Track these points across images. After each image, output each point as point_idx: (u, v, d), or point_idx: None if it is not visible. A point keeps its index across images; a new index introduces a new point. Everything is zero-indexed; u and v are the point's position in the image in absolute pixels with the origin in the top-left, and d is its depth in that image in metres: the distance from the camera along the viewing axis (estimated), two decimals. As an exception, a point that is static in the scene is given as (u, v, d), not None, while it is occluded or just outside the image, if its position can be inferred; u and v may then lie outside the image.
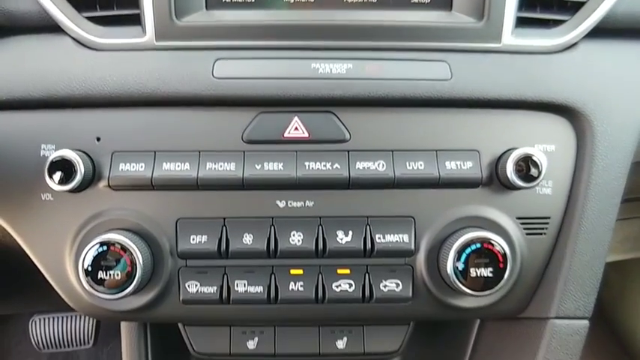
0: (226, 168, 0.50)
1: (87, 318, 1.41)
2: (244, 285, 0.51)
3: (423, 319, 0.55)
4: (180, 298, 0.52)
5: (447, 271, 0.49)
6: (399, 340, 0.61)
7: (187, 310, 0.52)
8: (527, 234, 0.52)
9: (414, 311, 0.53)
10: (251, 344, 0.60)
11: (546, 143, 0.52)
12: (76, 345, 1.44)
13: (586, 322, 0.53)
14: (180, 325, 0.60)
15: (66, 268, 0.52)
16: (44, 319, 1.40)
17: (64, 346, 1.44)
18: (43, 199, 0.52)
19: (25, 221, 0.53)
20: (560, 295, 0.52)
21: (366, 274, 0.52)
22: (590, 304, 0.53)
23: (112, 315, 0.54)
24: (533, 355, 0.52)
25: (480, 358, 0.60)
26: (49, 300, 1.02)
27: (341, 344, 0.61)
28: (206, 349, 0.60)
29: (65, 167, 0.48)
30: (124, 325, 0.60)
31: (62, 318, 1.41)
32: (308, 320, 0.55)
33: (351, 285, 0.52)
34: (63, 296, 0.54)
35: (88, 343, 1.46)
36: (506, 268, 0.49)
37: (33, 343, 1.39)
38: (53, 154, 0.49)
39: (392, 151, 0.51)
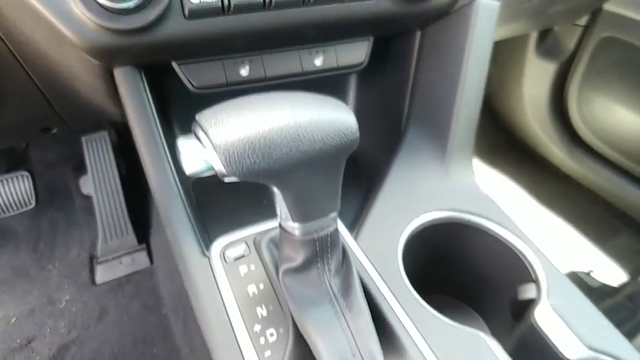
0: None
1: (21, 178, 1.37)
2: None
3: (386, 18, 0.67)
4: (186, 11, 0.57)
5: None
6: (362, 54, 0.75)
7: (191, 25, 0.58)
8: None
9: (379, 8, 0.65)
10: (243, 72, 0.68)
11: None
12: (18, 208, 1.41)
13: (498, 4, 0.71)
14: (175, 66, 0.66)
15: None
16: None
17: (5, 212, 1.40)
18: None
19: None
20: None
21: None
22: None
23: (113, 42, 0.56)
24: (466, 33, 0.69)
25: (425, 57, 0.77)
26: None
27: (318, 62, 0.72)
28: (204, 83, 0.67)
29: None
30: (118, 72, 0.63)
31: (-6, 183, 1.34)
32: (296, 24, 0.63)
33: None
34: (61, 27, 0.54)
35: (30, 204, 1.44)
36: None
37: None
38: None
39: None
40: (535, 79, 1.67)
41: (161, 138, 0.66)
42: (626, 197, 1.56)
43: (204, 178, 0.87)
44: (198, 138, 0.39)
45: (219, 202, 0.81)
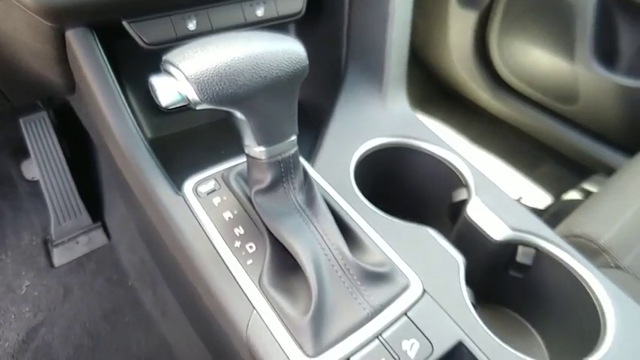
0: None
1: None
2: None
3: None
4: None
5: None
6: (300, 3, 0.80)
7: None
8: None
9: None
10: (191, 26, 0.72)
11: None
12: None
13: None
14: (126, 24, 0.68)
15: None
16: None
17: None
18: None
19: None
20: None
21: None
22: None
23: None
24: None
25: (356, 2, 0.84)
26: None
27: (260, 12, 0.77)
28: (155, 39, 0.70)
29: None
30: (71, 34, 0.65)
31: None
32: None
33: None
34: None
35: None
36: None
37: None
38: None
39: None
40: (459, 28, 1.79)
41: (120, 96, 0.69)
42: (546, 130, 1.74)
43: (163, 136, 0.90)
44: (169, 73, 0.44)
45: (179, 159, 0.86)
